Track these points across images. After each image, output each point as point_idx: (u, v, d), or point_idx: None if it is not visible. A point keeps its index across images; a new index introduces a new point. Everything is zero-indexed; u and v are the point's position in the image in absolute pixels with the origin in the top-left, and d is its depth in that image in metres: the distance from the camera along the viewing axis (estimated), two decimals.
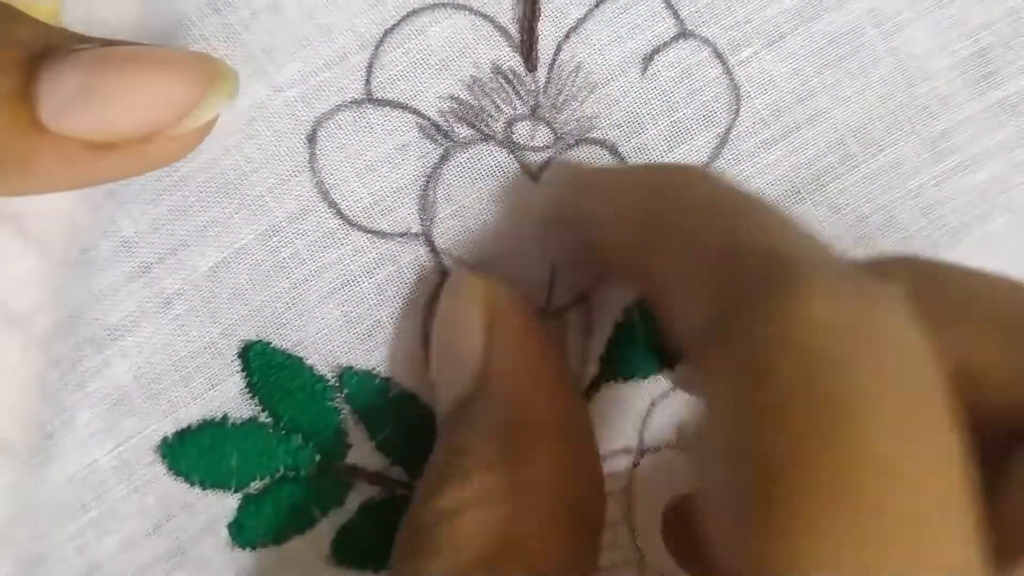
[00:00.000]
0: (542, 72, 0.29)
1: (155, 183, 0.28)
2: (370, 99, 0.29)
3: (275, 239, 0.29)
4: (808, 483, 0.15)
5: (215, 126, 0.28)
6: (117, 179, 0.23)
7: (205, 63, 0.22)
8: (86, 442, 0.29)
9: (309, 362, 0.29)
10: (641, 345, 0.29)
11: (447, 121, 0.29)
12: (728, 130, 0.29)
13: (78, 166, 0.22)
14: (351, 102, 0.29)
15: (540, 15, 0.29)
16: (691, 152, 0.29)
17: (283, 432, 0.29)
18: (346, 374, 0.29)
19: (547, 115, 0.29)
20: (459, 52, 0.29)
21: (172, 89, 0.22)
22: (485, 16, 0.29)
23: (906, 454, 0.16)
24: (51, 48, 0.22)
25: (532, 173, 0.29)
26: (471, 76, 0.29)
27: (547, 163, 0.29)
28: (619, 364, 0.29)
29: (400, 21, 0.29)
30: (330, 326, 0.29)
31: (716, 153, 0.29)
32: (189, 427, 0.29)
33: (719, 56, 0.29)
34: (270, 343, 0.29)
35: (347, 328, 0.29)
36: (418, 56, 0.29)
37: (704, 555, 0.18)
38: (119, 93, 0.21)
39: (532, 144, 0.29)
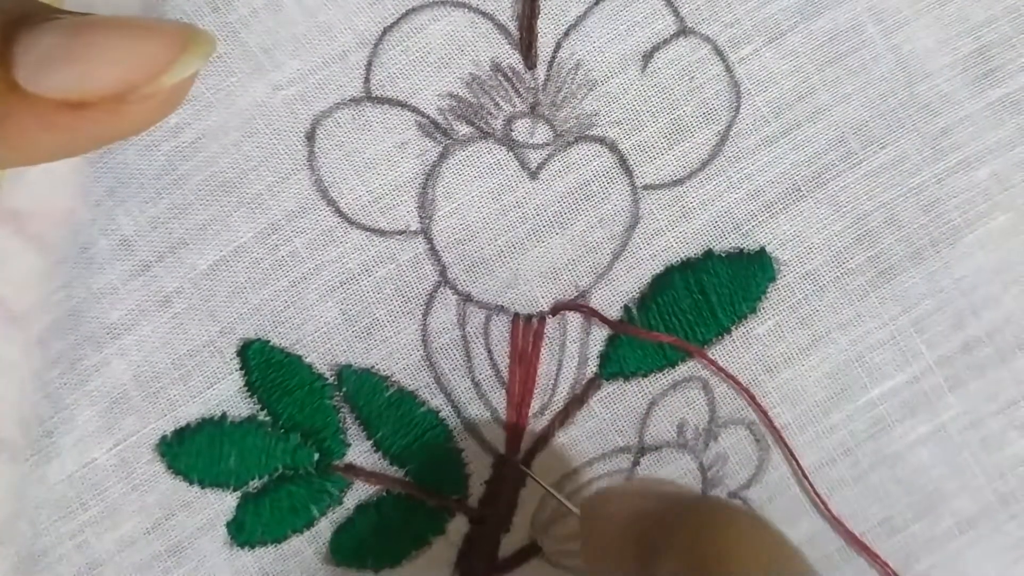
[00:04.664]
0: (541, 70, 0.29)
1: (154, 181, 0.29)
2: (369, 97, 0.29)
3: (274, 237, 0.29)
4: None
5: (218, 126, 0.28)
6: (98, 144, 0.24)
7: (181, 25, 0.23)
8: (85, 440, 0.29)
9: (308, 360, 0.29)
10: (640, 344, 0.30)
11: (446, 119, 0.29)
12: (728, 127, 0.30)
13: (56, 127, 0.22)
14: (350, 100, 0.29)
15: (539, 13, 0.29)
16: (691, 149, 0.29)
17: (282, 431, 0.29)
18: (344, 372, 0.29)
19: (546, 112, 0.29)
20: (458, 50, 0.29)
21: (147, 47, 0.22)
22: (484, 14, 0.29)
23: None
24: (28, 15, 0.22)
25: (531, 170, 0.29)
26: (470, 74, 0.29)
27: (547, 160, 0.29)
28: (619, 362, 0.30)
29: (399, 19, 0.29)
30: (329, 324, 0.29)
31: (716, 150, 0.30)
32: (188, 426, 0.29)
33: (719, 53, 0.29)
34: (269, 341, 0.29)
35: (346, 326, 0.29)
36: (417, 54, 0.29)
37: None
38: (94, 52, 0.22)
39: (531, 141, 0.29)
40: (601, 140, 0.30)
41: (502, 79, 0.29)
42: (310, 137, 0.29)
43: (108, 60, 0.22)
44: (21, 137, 0.22)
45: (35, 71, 0.22)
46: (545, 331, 0.30)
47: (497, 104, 0.29)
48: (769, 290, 0.30)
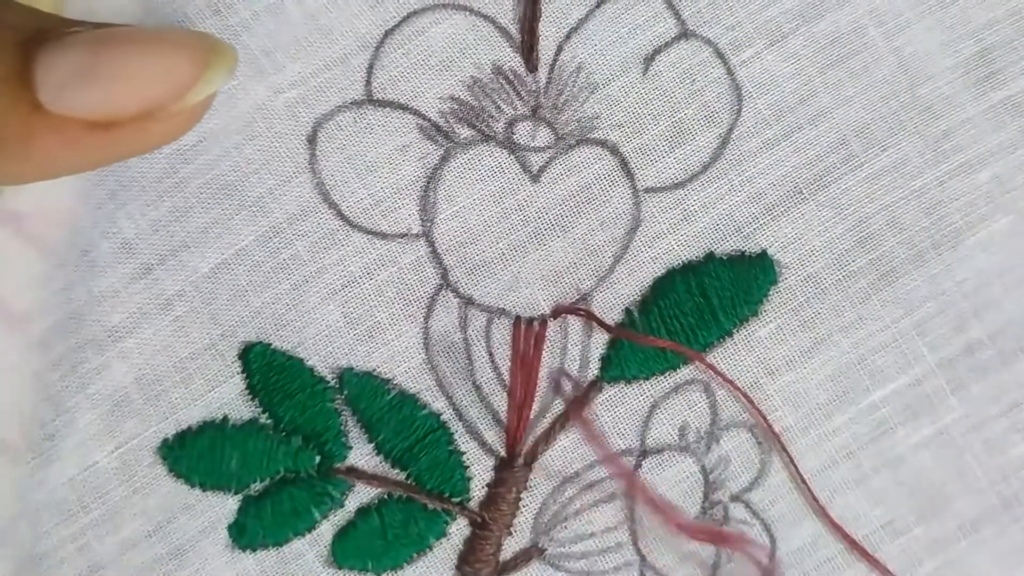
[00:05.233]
0: (543, 72, 0.29)
1: (156, 184, 0.29)
2: (370, 100, 0.29)
3: (275, 240, 0.29)
4: None
5: (219, 129, 0.28)
6: (120, 159, 0.24)
7: (203, 40, 0.23)
8: (87, 443, 0.29)
9: (309, 363, 0.29)
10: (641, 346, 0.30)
11: (448, 122, 0.29)
12: (730, 130, 0.30)
13: (80, 146, 0.22)
14: (351, 103, 0.29)
15: (541, 15, 0.29)
16: (693, 152, 0.29)
17: (283, 434, 0.29)
18: (346, 375, 0.29)
19: (548, 115, 0.29)
20: (460, 53, 0.29)
21: (172, 66, 0.22)
22: (486, 17, 0.29)
23: None
24: (44, 31, 0.22)
25: (532, 173, 0.29)
26: (472, 77, 0.29)
27: (548, 163, 0.29)
28: (620, 365, 0.30)
29: (401, 22, 0.29)
30: (330, 327, 0.29)
31: (718, 153, 0.30)
32: (189, 429, 0.29)
33: (721, 56, 0.30)
34: (270, 344, 0.29)
35: (347, 329, 0.29)
36: (419, 57, 0.29)
37: None
38: (119, 71, 0.21)
39: (533, 145, 0.29)
40: (603, 143, 0.30)
41: (503, 82, 0.29)
42: (311, 140, 0.29)
43: (135, 80, 0.22)
44: (45, 156, 0.22)
45: (59, 92, 0.21)
46: (546, 334, 0.30)
47: (498, 107, 0.29)
48: (771, 293, 0.30)
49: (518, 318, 0.30)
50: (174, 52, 0.22)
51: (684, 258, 0.30)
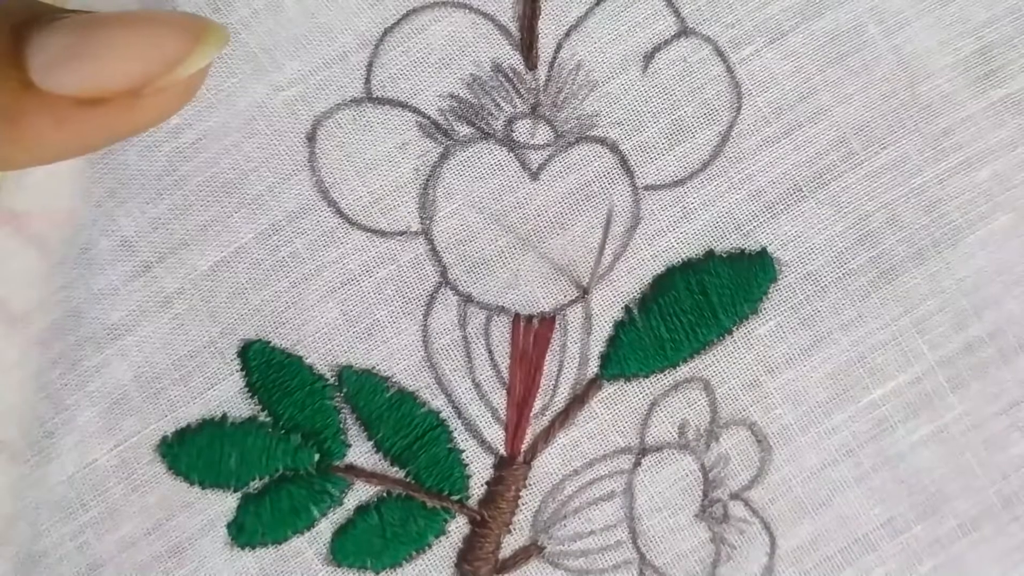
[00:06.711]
0: (542, 70, 0.29)
1: (155, 182, 0.29)
2: (370, 98, 0.29)
3: (275, 238, 0.29)
4: None
5: (219, 127, 0.28)
6: (112, 140, 0.24)
7: (194, 17, 0.23)
8: (86, 441, 0.29)
9: (308, 361, 0.29)
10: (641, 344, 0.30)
11: (447, 119, 0.29)
12: (730, 128, 0.30)
13: (71, 124, 0.22)
14: (351, 101, 0.29)
15: (540, 13, 0.29)
16: (692, 149, 0.30)
17: (282, 431, 0.29)
18: (345, 373, 0.29)
19: (547, 113, 0.29)
20: (459, 50, 0.29)
21: (160, 40, 0.22)
22: (485, 15, 0.29)
23: None
24: (37, 15, 0.22)
25: (532, 171, 0.29)
26: (471, 74, 0.29)
27: (548, 160, 0.29)
28: (620, 363, 0.30)
29: (400, 20, 0.29)
30: (329, 325, 0.29)
31: (717, 151, 0.30)
32: (189, 426, 0.29)
33: (720, 54, 0.30)
34: (269, 342, 0.29)
35: (346, 327, 0.29)
36: (418, 55, 0.29)
37: None
38: (107, 47, 0.22)
39: (532, 142, 0.29)
40: (602, 141, 0.30)
41: (503, 80, 0.29)
42: (311, 138, 0.29)
43: (123, 55, 0.22)
44: (37, 136, 0.22)
45: (50, 69, 0.22)
46: (546, 331, 0.30)
47: (498, 105, 0.29)
48: (770, 290, 0.30)
49: (517, 315, 0.30)
50: (163, 28, 0.22)
51: (684, 256, 0.30)
